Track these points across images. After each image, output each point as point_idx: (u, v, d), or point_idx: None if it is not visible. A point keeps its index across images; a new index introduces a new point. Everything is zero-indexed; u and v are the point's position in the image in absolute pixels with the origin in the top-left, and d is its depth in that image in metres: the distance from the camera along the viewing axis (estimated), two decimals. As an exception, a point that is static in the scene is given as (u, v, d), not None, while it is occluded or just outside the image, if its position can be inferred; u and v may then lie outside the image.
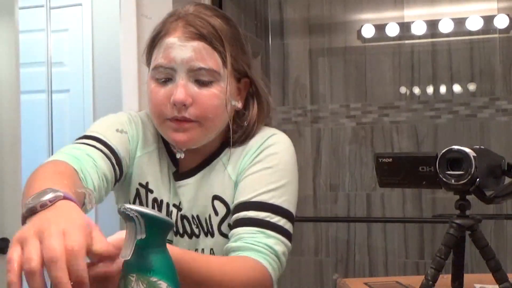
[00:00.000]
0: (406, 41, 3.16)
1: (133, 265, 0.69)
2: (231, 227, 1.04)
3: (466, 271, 0.94)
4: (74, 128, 3.04)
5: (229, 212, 1.08)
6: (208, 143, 1.10)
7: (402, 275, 3.04)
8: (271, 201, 1.04)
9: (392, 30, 3.15)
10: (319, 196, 3.22)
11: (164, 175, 1.13)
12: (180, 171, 1.12)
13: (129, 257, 0.69)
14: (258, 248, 0.99)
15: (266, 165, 1.06)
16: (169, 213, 1.11)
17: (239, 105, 1.11)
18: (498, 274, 0.82)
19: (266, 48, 3.26)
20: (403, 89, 3.15)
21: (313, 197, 3.23)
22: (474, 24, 3.05)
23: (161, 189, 1.12)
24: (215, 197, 1.09)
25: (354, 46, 3.23)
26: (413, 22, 3.12)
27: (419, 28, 3.12)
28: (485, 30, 3.05)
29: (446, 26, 3.08)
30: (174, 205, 1.12)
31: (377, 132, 3.15)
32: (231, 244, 1.01)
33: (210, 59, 1.04)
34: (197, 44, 1.03)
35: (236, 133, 1.10)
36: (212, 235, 1.09)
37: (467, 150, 0.81)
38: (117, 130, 1.09)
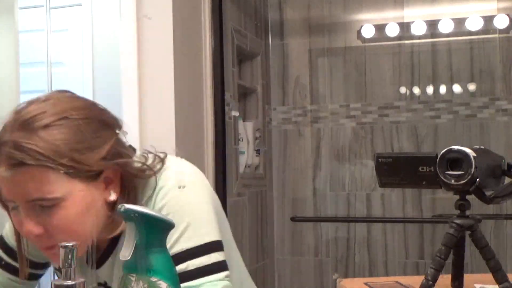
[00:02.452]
0: (406, 41, 3.16)
1: (133, 265, 0.69)
2: None
3: (466, 271, 0.94)
4: (74, 128, 3.03)
5: None
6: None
7: (402, 275, 3.04)
8: (181, 250, 0.94)
9: (392, 30, 3.15)
10: (319, 196, 3.22)
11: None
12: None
13: (129, 257, 0.69)
14: None
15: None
16: None
17: (113, 197, 0.96)
18: (498, 274, 0.82)
19: (266, 48, 3.26)
20: (403, 89, 3.15)
21: (313, 197, 3.23)
22: (474, 24, 3.05)
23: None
24: None
25: (354, 46, 3.23)
26: (413, 22, 3.12)
27: (419, 28, 3.12)
28: (485, 30, 3.04)
29: (446, 26, 3.08)
30: (99, 284, 1.06)
31: (377, 132, 3.14)
32: None
33: (44, 185, 0.89)
34: (23, 173, 0.88)
35: (115, 230, 0.97)
36: None
37: (467, 150, 0.81)
38: None
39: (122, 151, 0.97)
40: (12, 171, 0.88)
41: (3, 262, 1.11)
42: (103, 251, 1.02)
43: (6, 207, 0.96)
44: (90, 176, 0.92)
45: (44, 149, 0.88)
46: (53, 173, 0.89)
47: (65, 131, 0.90)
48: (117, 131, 0.99)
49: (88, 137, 0.92)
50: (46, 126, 0.90)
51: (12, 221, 0.97)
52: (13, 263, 1.09)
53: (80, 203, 0.92)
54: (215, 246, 0.96)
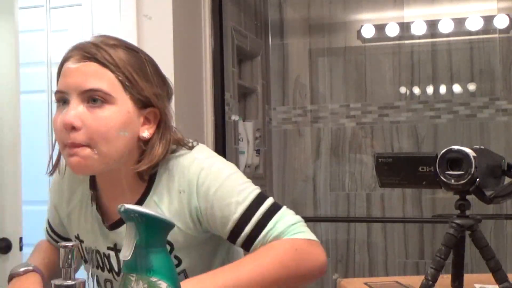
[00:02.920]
0: (406, 41, 3.16)
1: (133, 265, 0.69)
2: (245, 247, 1.05)
3: (466, 271, 0.94)
4: (74, 128, 3.03)
5: (172, 248, 1.07)
6: (126, 186, 1.08)
7: (402, 275, 3.04)
8: (240, 210, 1.03)
9: (392, 30, 3.15)
10: (319, 196, 3.22)
11: (94, 225, 1.14)
12: (110, 222, 1.11)
13: (129, 257, 0.69)
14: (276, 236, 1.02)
15: (213, 189, 1.04)
16: (103, 257, 1.13)
17: (145, 134, 1.06)
18: (498, 274, 0.82)
19: (266, 48, 3.26)
20: (403, 89, 3.15)
21: (313, 197, 3.23)
22: (474, 24, 3.05)
23: (90, 238, 1.15)
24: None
25: (354, 46, 3.23)
26: (413, 22, 3.12)
27: (419, 28, 3.12)
28: (485, 30, 3.05)
29: (446, 26, 3.08)
30: (109, 248, 1.12)
31: (377, 132, 3.15)
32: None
33: (101, 81, 1.01)
34: (89, 66, 1.02)
35: (140, 162, 1.05)
36: None
37: (467, 150, 0.81)
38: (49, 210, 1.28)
39: (169, 108, 1.10)
40: (80, 63, 1.02)
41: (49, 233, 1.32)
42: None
43: (57, 107, 1.05)
44: (139, 101, 1.04)
45: (113, 56, 1.03)
46: (111, 75, 1.02)
47: (132, 58, 1.05)
48: (169, 98, 1.12)
49: (148, 73, 1.06)
50: (120, 47, 1.06)
51: (53, 121, 1.05)
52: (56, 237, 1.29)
53: (123, 116, 1.02)
54: (260, 194, 1.06)
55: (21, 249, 2.07)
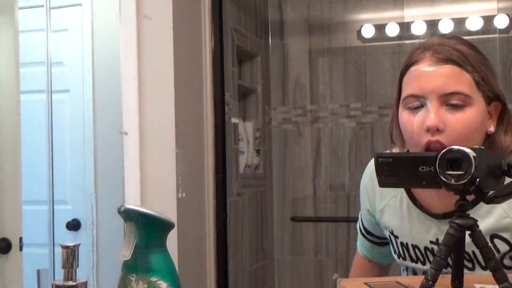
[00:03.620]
0: (406, 41, 3.16)
1: (133, 265, 0.69)
2: None
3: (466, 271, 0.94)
4: (74, 128, 3.04)
5: (511, 248, 1.08)
6: None
7: (402, 275, 3.04)
8: None
9: (392, 30, 3.15)
10: (319, 196, 3.22)
11: (411, 218, 1.16)
12: (441, 212, 1.12)
13: (129, 257, 0.69)
14: None
15: None
16: (425, 256, 1.15)
17: (491, 129, 1.09)
18: (498, 274, 0.82)
19: (266, 48, 3.26)
20: (403, 89, 3.15)
21: (313, 197, 3.23)
22: (474, 24, 3.05)
23: (405, 233, 1.17)
24: (494, 236, 1.08)
25: (354, 46, 3.23)
26: (413, 22, 3.12)
27: (419, 28, 3.12)
28: (485, 30, 3.04)
29: (446, 26, 3.08)
30: (431, 242, 1.13)
31: (377, 132, 3.14)
32: None
33: (461, 83, 1.04)
34: (447, 68, 1.04)
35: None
36: None
37: (467, 150, 0.81)
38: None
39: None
40: (436, 66, 1.04)
41: (365, 237, 1.34)
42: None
43: (408, 109, 1.08)
44: (487, 97, 1.07)
45: (466, 55, 1.04)
46: (468, 76, 1.04)
47: (479, 55, 1.08)
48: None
49: (491, 68, 1.09)
50: (465, 44, 1.08)
51: (403, 123, 1.08)
52: (371, 238, 1.33)
53: (479, 115, 1.05)
54: None
55: (21, 249, 2.07)
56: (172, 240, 1.60)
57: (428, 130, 1.03)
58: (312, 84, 3.26)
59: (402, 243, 1.19)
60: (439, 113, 1.03)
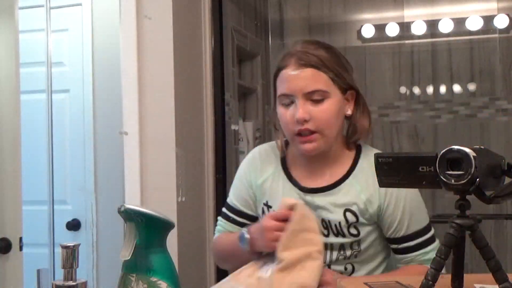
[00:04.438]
0: (406, 41, 3.16)
1: (133, 265, 0.69)
2: (397, 252, 1.39)
3: (466, 271, 0.94)
4: (74, 128, 3.04)
5: (357, 220, 1.36)
6: (332, 160, 1.41)
7: (402, 275, 3.03)
8: (412, 231, 1.38)
9: (392, 30, 3.15)
10: (319, 196, 3.22)
11: (286, 190, 1.42)
12: (309, 186, 1.41)
13: (129, 257, 0.69)
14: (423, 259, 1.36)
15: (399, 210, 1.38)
16: None
17: (349, 112, 1.41)
18: (498, 274, 0.82)
19: (266, 48, 3.26)
20: (403, 89, 3.15)
21: (313, 197, 3.22)
22: (474, 24, 3.05)
23: (277, 202, 1.39)
24: (347, 210, 1.36)
25: (354, 46, 3.23)
26: (413, 22, 3.12)
27: (419, 28, 3.12)
28: (485, 30, 3.05)
29: (446, 26, 3.08)
30: None
31: (377, 132, 3.14)
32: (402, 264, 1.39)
33: (319, 82, 1.32)
34: (308, 71, 1.32)
35: (353, 137, 1.44)
36: (343, 236, 1.37)
37: (467, 150, 0.81)
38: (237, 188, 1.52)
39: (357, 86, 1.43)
40: (299, 70, 1.33)
41: (231, 219, 1.51)
42: (325, 185, 1.40)
43: (282, 105, 1.37)
44: (342, 88, 1.37)
45: (321, 59, 1.33)
46: (324, 75, 1.33)
47: (331, 55, 1.36)
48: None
49: (344, 63, 1.38)
50: (322, 48, 1.37)
51: (280, 116, 1.37)
52: (239, 219, 1.50)
53: (336, 104, 1.35)
54: (426, 226, 1.42)
55: (21, 249, 2.07)
56: (172, 240, 1.60)
57: (297, 121, 1.32)
58: (312, 84, 3.26)
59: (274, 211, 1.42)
60: (305, 107, 1.32)
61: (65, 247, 0.71)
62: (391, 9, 3.19)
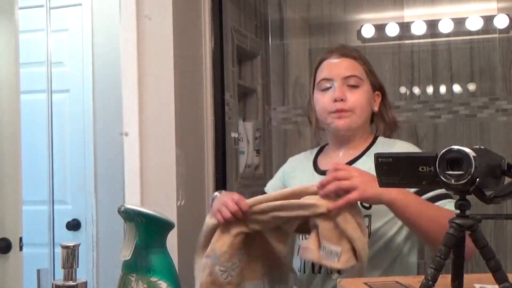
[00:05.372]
0: (406, 41, 3.16)
1: (133, 265, 0.69)
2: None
3: (466, 271, 0.94)
4: (74, 128, 3.04)
5: None
6: (354, 144, 1.61)
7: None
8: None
9: (392, 30, 3.15)
10: (319, 196, 3.22)
11: (306, 174, 1.65)
12: (324, 169, 1.58)
13: (129, 257, 0.69)
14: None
15: None
16: None
17: (376, 108, 1.63)
18: (498, 274, 0.82)
19: (266, 48, 3.26)
20: (403, 89, 3.15)
21: (313, 197, 3.22)
22: (474, 24, 3.05)
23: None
24: None
25: (354, 46, 3.23)
26: (413, 22, 3.12)
27: (419, 28, 3.12)
28: (485, 30, 3.05)
29: (446, 26, 3.08)
30: None
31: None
32: None
33: (356, 70, 1.57)
34: (347, 61, 1.58)
35: (380, 127, 1.67)
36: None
37: (467, 150, 0.81)
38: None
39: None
40: (340, 59, 1.59)
41: None
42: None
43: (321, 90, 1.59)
44: (373, 85, 1.61)
45: (359, 54, 1.62)
46: (360, 67, 1.59)
47: (366, 59, 1.65)
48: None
49: (375, 70, 1.64)
50: (358, 52, 1.65)
51: (317, 101, 1.61)
52: None
53: (367, 94, 1.58)
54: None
55: (21, 249, 2.07)
56: (172, 240, 1.60)
57: (335, 100, 1.54)
58: (312, 84, 3.26)
59: None
60: (342, 89, 1.55)
61: (65, 247, 0.71)
62: (391, 9, 3.19)
